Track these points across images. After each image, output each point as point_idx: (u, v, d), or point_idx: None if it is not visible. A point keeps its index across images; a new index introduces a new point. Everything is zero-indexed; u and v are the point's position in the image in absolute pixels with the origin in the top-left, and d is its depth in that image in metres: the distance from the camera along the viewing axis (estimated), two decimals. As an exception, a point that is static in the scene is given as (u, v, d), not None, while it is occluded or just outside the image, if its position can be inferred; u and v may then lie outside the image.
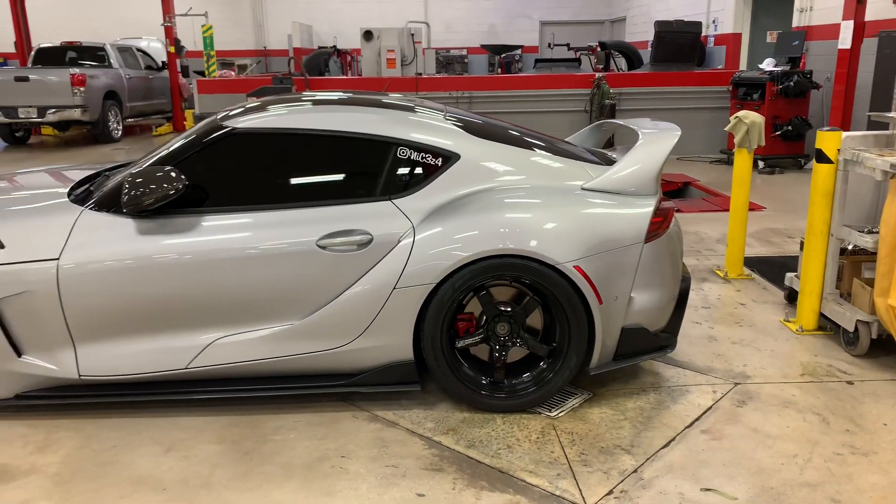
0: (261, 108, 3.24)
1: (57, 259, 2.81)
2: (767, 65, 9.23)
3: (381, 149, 3.05)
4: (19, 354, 2.89)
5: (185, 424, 2.93)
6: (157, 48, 16.96)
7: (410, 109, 3.31)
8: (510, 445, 2.76)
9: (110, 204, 2.94)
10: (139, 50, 15.03)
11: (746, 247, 5.05)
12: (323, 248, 2.87)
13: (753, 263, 5.01)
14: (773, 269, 4.86)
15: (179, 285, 2.84)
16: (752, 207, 6.76)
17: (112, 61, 13.58)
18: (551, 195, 3.01)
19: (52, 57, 13.62)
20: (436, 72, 13.19)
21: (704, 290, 4.53)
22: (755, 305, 4.25)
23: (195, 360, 2.91)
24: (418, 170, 3.04)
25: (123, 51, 14.19)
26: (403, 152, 3.05)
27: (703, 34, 12.18)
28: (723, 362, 3.48)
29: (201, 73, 15.07)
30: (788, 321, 3.98)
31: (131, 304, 2.85)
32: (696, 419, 2.95)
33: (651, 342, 3.10)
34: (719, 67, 11.85)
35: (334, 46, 16.66)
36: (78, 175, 3.55)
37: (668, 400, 3.11)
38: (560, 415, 2.99)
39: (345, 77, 14.54)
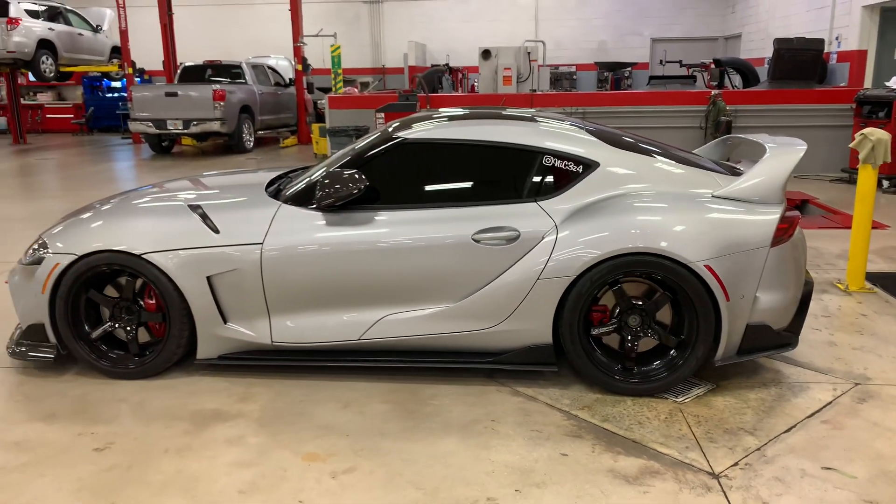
0: (423, 121, 3.75)
1: (261, 244, 3.40)
2: (895, 82, 9.03)
3: (529, 157, 3.48)
4: (225, 321, 3.50)
5: (356, 387, 3.44)
6: (283, 66, 18.27)
7: (553, 122, 3.73)
8: (641, 422, 3.10)
9: (302, 199, 3.52)
10: (269, 67, 16.29)
11: (868, 262, 5.12)
12: (477, 241, 3.32)
13: (875, 278, 5.07)
14: (897, 284, 4.92)
15: (357, 269, 3.37)
16: (875, 226, 6.71)
17: (247, 78, 14.81)
18: (682, 201, 3.33)
19: (195, 74, 14.99)
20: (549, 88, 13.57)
21: (824, 300, 4.66)
22: (877, 316, 4.36)
23: (366, 333, 3.42)
24: (561, 176, 3.44)
25: (256, 68, 15.44)
26: (549, 160, 3.46)
27: (826, 51, 11.95)
28: (843, 364, 3.66)
29: (324, 90, 16.12)
30: (911, 332, 4.08)
31: (317, 284, 3.40)
32: (817, 411, 3.17)
33: (774, 339, 3.35)
34: (842, 85, 11.60)
35: (447, 64, 17.38)
36: (264, 177, 4.17)
37: (788, 394, 3.34)
38: (686, 400, 3.29)
39: (459, 94, 15.18)
